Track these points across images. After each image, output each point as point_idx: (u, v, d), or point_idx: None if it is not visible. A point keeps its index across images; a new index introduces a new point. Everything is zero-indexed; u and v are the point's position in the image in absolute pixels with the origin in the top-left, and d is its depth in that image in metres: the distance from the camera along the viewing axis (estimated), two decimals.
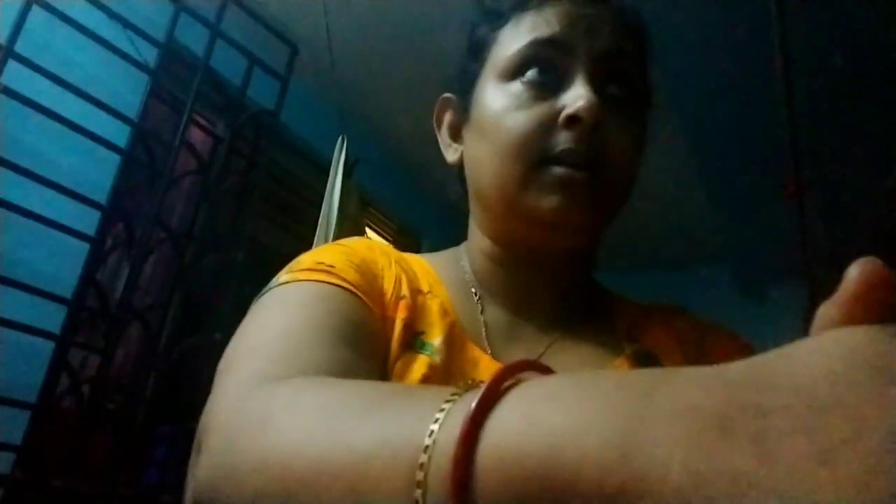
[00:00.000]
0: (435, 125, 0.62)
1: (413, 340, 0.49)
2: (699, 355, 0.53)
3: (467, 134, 0.56)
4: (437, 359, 0.48)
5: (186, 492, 0.34)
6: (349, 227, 1.90)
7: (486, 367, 0.50)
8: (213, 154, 1.91)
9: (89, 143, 1.52)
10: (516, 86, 0.51)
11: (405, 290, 0.52)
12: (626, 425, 0.19)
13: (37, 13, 1.43)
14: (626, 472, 0.18)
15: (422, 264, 0.58)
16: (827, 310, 0.20)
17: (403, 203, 3.09)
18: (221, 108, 2.00)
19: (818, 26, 1.90)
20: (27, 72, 1.40)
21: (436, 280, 0.56)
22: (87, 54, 1.62)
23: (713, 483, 0.17)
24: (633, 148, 0.52)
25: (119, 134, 1.58)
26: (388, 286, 0.51)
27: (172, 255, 1.75)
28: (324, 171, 2.01)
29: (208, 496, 0.31)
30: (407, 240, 3.10)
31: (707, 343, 0.55)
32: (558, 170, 0.48)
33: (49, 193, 1.43)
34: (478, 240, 0.58)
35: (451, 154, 0.60)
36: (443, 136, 0.61)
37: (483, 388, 0.24)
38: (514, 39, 0.52)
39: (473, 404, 0.23)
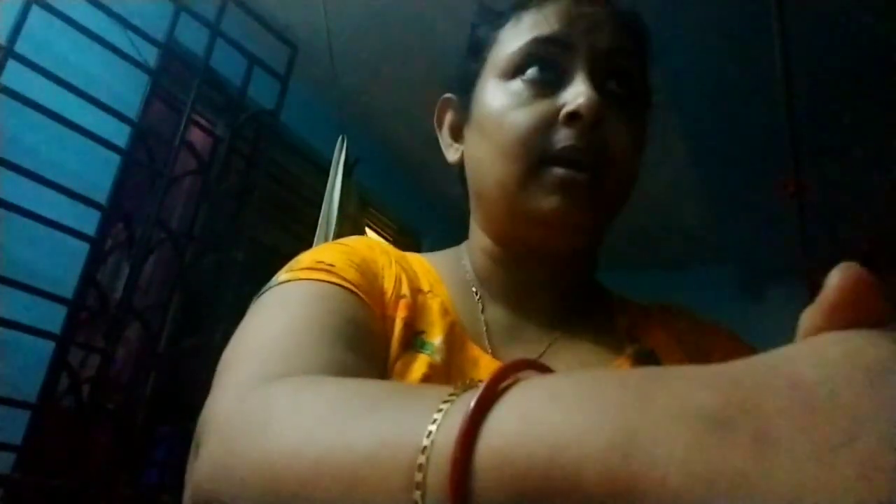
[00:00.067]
0: (436, 125, 0.62)
1: (413, 340, 0.49)
2: (699, 355, 0.53)
3: (468, 133, 0.56)
4: (438, 358, 0.48)
5: (185, 491, 0.34)
6: (349, 227, 1.91)
7: (486, 367, 0.50)
8: (213, 154, 1.91)
9: (89, 143, 1.52)
10: (517, 84, 0.51)
11: (405, 290, 0.51)
12: (626, 426, 0.19)
13: (37, 13, 1.43)
14: (627, 473, 0.18)
15: (422, 263, 0.58)
16: (809, 316, 0.20)
17: (403, 203, 3.09)
18: (221, 108, 2.00)
19: (818, 26, 1.90)
20: (27, 72, 1.40)
21: (436, 279, 0.56)
22: (87, 54, 1.62)
23: (713, 484, 0.17)
24: (634, 146, 0.52)
25: (119, 134, 1.58)
26: (389, 285, 0.51)
27: (172, 255, 1.75)
28: (324, 171, 2.01)
29: (207, 496, 0.31)
30: (407, 240, 3.10)
31: (707, 343, 0.55)
32: (559, 170, 0.48)
33: (49, 193, 1.43)
34: (478, 239, 0.58)
35: (452, 154, 0.60)
36: (444, 137, 0.61)
37: (481, 387, 0.23)
38: (514, 38, 0.53)
39: (472, 404, 0.23)
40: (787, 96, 1.79)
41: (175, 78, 1.78)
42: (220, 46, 1.81)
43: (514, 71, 0.52)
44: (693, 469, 0.17)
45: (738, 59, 2.11)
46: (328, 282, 0.47)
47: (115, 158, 1.62)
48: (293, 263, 0.50)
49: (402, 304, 0.50)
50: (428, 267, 0.57)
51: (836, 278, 0.20)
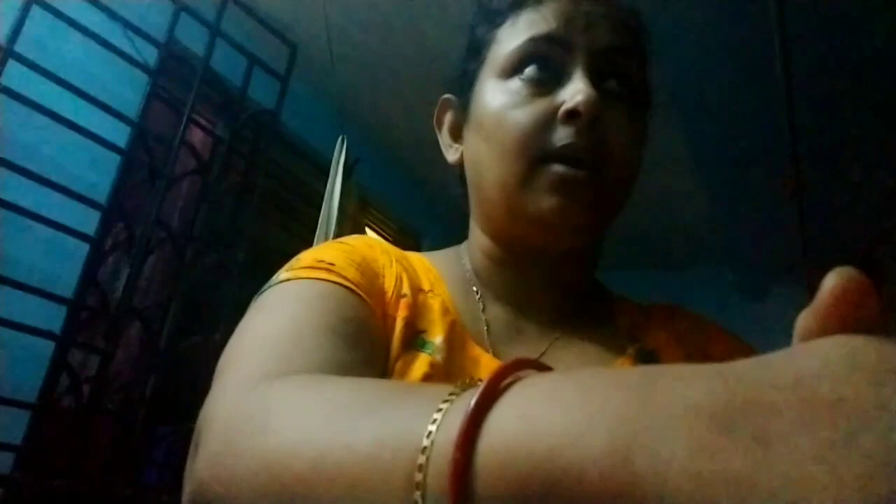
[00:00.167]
0: (435, 126, 0.62)
1: (414, 339, 0.49)
2: (700, 356, 0.53)
3: (467, 133, 0.56)
4: (438, 357, 0.48)
5: (184, 490, 0.34)
6: (349, 227, 1.91)
7: (486, 366, 0.50)
8: (213, 154, 1.91)
9: (89, 143, 1.52)
10: (515, 83, 0.51)
11: (406, 289, 0.51)
12: (626, 425, 0.19)
13: (37, 13, 1.43)
14: (628, 473, 0.18)
15: (423, 262, 0.58)
16: (804, 319, 0.20)
17: (403, 203, 3.09)
18: (221, 108, 2.00)
19: (818, 27, 1.90)
20: (27, 72, 1.40)
21: (437, 278, 0.56)
22: (87, 54, 1.62)
23: (714, 484, 0.17)
24: (633, 144, 0.51)
25: (119, 134, 1.58)
26: (389, 284, 0.51)
27: (172, 255, 1.74)
28: (324, 171, 2.01)
29: (206, 495, 0.31)
30: (407, 240, 3.10)
31: (707, 343, 0.55)
32: (558, 169, 0.48)
33: (49, 193, 1.43)
34: (478, 239, 0.58)
35: (451, 154, 0.60)
36: (443, 137, 0.61)
37: (481, 386, 0.23)
38: (512, 37, 0.52)
39: (472, 403, 0.23)
40: (788, 96, 1.79)
41: (175, 78, 1.78)
42: (220, 46, 1.81)
43: (513, 70, 0.52)
44: (695, 469, 0.17)
45: (738, 60, 2.11)
46: (329, 281, 0.47)
47: (115, 158, 1.62)
48: (294, 262, 0.50)
49: (403, 303, 0.50)
50: (428, 266, 0.57)
51: (831, 282, 0.20)
